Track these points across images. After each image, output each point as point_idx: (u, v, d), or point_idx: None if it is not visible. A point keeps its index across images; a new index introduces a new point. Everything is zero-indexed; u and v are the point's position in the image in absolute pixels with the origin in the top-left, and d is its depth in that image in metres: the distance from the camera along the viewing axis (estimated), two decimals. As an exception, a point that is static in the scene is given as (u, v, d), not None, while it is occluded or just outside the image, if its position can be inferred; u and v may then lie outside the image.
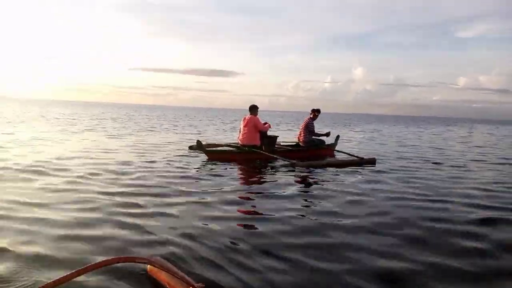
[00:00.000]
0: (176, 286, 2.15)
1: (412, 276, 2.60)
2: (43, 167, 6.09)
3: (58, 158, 7.05)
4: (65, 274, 1.92)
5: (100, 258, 2.42)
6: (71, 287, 2.16)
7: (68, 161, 6.81)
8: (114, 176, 5.61)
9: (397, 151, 10.74)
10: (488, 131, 30.24)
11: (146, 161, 7.13)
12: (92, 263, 2.10)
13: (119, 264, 2.26)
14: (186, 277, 2.16)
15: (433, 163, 8.32)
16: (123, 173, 5.86)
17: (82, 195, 4.44)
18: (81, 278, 2.17)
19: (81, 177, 5.47)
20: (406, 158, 9.13)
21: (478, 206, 4.55)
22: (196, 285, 2.07)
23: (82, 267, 2.01)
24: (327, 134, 8.64)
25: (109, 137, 12.04)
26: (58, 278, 1.90)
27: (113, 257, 2.21)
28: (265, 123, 8.18)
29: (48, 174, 5.60)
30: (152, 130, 16.39)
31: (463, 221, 3.88)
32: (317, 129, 8.71)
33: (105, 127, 16.83)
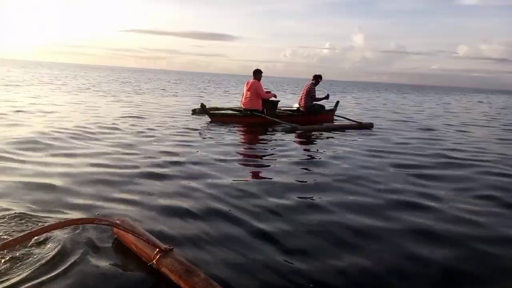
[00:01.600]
0: (143, 248, 2.06)
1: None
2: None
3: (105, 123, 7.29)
4: (24, 233, 1.79)
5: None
6: (31, 245, 2.14)
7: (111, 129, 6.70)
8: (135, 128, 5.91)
9: (387, 117, 11.11)
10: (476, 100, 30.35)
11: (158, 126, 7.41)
12: (51, 223, 2.02)
13: (85, 225, 2.25)
14: (154, 239, 2.09)
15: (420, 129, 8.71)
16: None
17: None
18: (42, 237, 2.19)
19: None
20: (393, 121, 9.56)
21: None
22: (163, 247, 1.98)
23: (40, 227, 1.94)
24: (327, 97, 8.90)
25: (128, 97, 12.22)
26: (18, 236, 1.77)
27: (74, 218, 2.17)
28: (268, 92, 8.38)
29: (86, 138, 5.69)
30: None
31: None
32: (317, 95, 8.94)
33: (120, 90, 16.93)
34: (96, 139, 5.49)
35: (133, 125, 7.05)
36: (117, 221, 2.18)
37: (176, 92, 19.21)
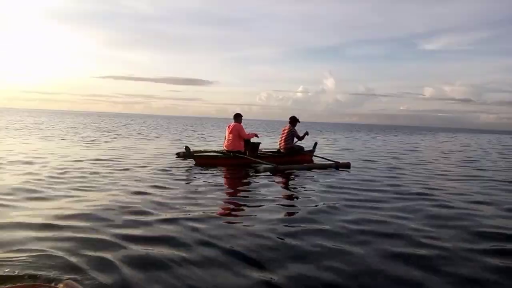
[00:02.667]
0: None
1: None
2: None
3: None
4: None
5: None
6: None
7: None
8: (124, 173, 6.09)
9: (362, 156, 11.69)
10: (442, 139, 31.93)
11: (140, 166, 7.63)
12: None
13: None
14: None
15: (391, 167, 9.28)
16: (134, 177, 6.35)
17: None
18: None
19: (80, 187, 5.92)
20: (369, 161, 10.11)
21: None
22: None
23: None
24: (307, 133, 9.48)
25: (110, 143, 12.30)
26: None
27: (12, 286, 2.06)
28: (249, 133, 8.80)
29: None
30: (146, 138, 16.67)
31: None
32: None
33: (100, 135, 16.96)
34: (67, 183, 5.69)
35: (114, 168, 7.25)
36: (61, 286, 2.02)
37: (157, 137, 19.38)
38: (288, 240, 3.41)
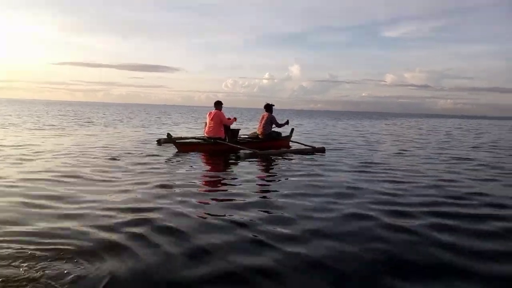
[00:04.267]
0: None
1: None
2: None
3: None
4: None
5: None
6: None
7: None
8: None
9: (333, 142, 12.32)
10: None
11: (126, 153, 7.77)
12: None
13: None
14: None
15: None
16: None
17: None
18: None
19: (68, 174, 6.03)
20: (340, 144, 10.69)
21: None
22: None
23: None
24: (287, 122, 9.85)
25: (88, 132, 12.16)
26: None
27: None
28: (229, 118, 9.10)
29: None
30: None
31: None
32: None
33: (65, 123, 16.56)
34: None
35: (107, 157, 7.37)
36: None
37: (131, 123, 19.20)
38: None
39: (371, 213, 3.95)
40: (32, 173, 5.52)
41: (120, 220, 3.45)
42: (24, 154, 7.22)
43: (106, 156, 7.35)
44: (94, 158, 7.14)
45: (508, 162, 8.41)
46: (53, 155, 7.25)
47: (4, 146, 8.43)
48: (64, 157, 7.12)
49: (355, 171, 6.57)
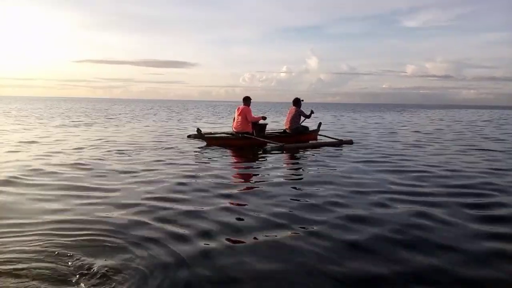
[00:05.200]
0: None
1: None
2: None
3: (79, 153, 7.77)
4: None
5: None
6: None
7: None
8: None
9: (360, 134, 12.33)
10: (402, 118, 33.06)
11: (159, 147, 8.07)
12: None
13: None
14: None
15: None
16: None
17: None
18: None
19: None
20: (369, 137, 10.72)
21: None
22: None
23: None
24: (312, 112, 9.88)
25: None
26: None
27: None
28: (256, 116, 9.21)
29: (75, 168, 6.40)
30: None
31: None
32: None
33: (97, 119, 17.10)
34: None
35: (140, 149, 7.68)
36: None
37: (160, 120, 19.63)
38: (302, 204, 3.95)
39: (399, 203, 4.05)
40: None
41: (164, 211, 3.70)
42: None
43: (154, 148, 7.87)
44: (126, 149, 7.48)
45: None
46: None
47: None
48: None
49: (378, 162, 6.65)
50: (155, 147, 8.27)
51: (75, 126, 14.43)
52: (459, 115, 34.36)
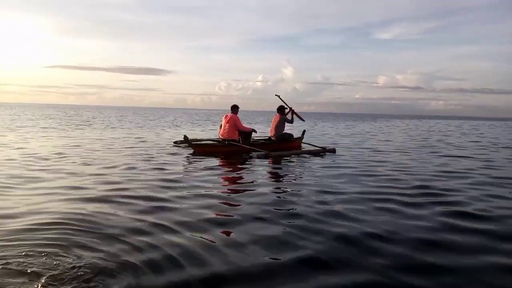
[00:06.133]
0: None
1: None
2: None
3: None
4: None
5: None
6: None
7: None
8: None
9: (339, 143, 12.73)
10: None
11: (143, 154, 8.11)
12: None
13: None
14: None
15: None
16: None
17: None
18: None
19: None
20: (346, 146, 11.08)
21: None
22: None
23: None
24: (292, 111, 10.09)
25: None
26: None
27: None
28: (247, 127, 9.45)
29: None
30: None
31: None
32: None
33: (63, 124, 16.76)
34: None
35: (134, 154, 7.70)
36: None
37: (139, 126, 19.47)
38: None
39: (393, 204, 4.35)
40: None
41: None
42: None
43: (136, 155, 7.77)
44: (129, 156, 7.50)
45: None
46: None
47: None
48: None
49: (361, 170, 6.94)
50: (140, 154, 8.30)
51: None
52: (434, 126, 35.59)
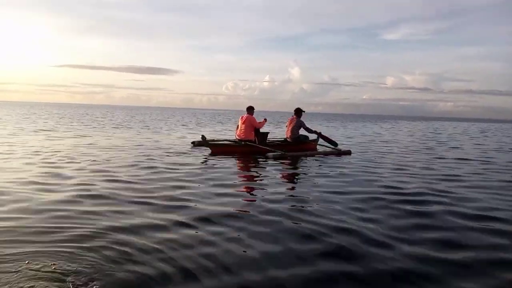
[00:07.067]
0: None
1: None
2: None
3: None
4: None
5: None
6: None
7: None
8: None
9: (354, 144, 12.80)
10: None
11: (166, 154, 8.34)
12: None
13: None
14: None
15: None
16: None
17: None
18: None
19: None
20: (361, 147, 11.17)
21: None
22: None
23: None
24: (316, 132, 10.15)
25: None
26: None
27: None
28: (260, 122, 9.62)
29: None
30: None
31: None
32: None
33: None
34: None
35: (147, 156, 7.94)
36: None
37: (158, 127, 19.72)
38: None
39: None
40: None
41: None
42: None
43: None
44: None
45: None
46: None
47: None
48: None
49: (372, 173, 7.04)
50: (161, 155, 8.47)
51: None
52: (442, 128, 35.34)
